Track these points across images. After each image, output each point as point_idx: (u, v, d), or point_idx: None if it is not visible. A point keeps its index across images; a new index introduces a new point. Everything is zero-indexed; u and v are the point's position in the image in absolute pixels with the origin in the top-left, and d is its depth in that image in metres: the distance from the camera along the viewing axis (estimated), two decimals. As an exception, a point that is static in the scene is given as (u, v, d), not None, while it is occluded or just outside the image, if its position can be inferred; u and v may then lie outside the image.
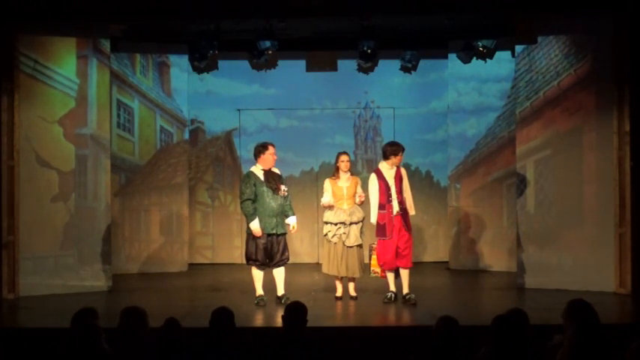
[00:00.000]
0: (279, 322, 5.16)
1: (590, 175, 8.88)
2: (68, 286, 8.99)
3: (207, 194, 11.63)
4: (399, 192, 8.20)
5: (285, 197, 8.29)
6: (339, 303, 8.41)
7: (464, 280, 10.16)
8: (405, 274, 8.27)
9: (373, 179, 8.29)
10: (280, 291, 8.29)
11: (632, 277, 8.61)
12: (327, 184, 8.53)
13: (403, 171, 8.36)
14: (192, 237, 11.45)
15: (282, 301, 8.06)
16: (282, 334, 5.06)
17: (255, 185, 8.15)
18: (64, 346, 4.78)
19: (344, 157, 8.48)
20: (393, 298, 8.25)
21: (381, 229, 8.24)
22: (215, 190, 11.65)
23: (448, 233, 11.24)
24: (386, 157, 8.28)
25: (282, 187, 8.26)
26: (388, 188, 8.18)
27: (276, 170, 8.35)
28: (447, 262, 11.10)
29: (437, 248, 11.59)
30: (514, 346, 4.53)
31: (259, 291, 8.29)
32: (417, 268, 11.09)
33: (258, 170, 8.24)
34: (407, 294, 8.21)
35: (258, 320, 7.75)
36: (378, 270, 8.37)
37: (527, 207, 9.22)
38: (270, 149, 8.24)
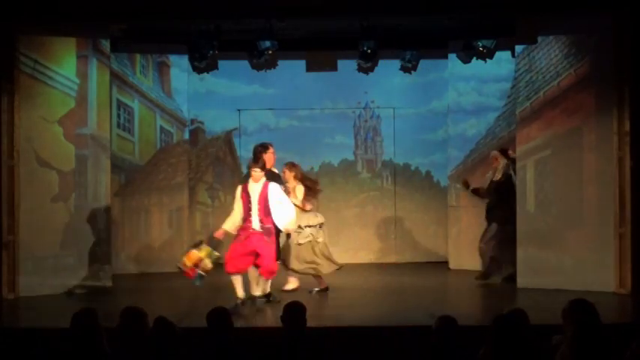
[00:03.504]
0: (279, 322, 5.15)
1: (590, 176, 8.89)
2: (68, 286, 8.99)
3: (207, 194, 11.63)
4: (262, 209, 7.97)
5: None
6: (339, 303, 8.42)
7: (464, 280, 10.16)
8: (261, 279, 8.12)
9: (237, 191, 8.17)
10: (267, 289, 8.32)
11: (632, 277, 8.61)
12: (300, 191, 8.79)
13: (272, 187, 8.09)
14: (192, 237, 11.43)
15: (270, 299, 8.19)
16: (282, 334, 5.06)
17: None
18: (64, 346, 4.78)
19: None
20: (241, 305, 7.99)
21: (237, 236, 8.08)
22: (215, 190, 11.65)
23: (448, 233, 11.23)
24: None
25: (281, 187, 8.35)
26: (249, 202, 8.00)
27: (274, 170, 8.43)
28: (446, 262, 11.10)
29: (437, 248, 11.58)
30: (514, 346, 4.53)
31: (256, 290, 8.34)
32: (417, 268, 11.15)
33: None
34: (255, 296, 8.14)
35: (258, 320, 7.75)
36: (189, 265, 7.96)
37: (527, 207, 9.23)
38: (271, 149, 8.41)
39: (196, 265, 7.89)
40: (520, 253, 9.19)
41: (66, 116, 9.14)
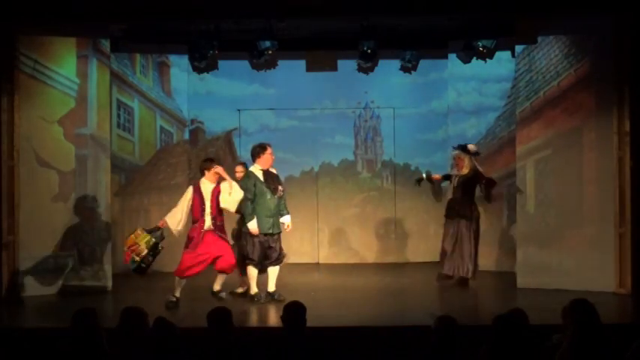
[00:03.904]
0: (279, 322, 5.15)
1: (590, 175, 8.89)
2: (68, 286, 9.00)
3: (207, 194, 11.62)
4: (214, 207, 8.22)
5: (280, 197, 8.37)
6: (339, 303, 8.43)
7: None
8: (221, 276, 8.45)
9: (189, 192, 8.35)
10: (272, 287, 8.42)
11: (632, 277, 8.62)
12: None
13: (223, 186, 8.28)
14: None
15: (275, 297, 8.26)
16: (282, 334, 5.07)
17: (255, 185, 8.23)
18: (64, 346, 4.78)
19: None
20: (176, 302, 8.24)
21: (189, 241, 8.30)
22: (215, 190, 11.65)
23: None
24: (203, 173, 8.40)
25: (280, 188, 8.40)
26: (203, 203, 8.21)
27: (273, 170, 8.44)
28: (447, 262, 11.08)
29: (437, 248, 11.54)
30: (514, 346, 4.53)
31: (254, 289, 8.39)
32: (416, 267, 11.14)
33: (257, 170, 8.33)
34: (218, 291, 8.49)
35: (258, 320, 7.76)
36: (125, 249, 8.12)
37: (527, 207, 9.23)
38: (269, 149, 8.39)
39: (131, 249, 8.02)
40: (520, 253, 9.19)
41: (66, 116, 9.14)
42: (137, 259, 7.93)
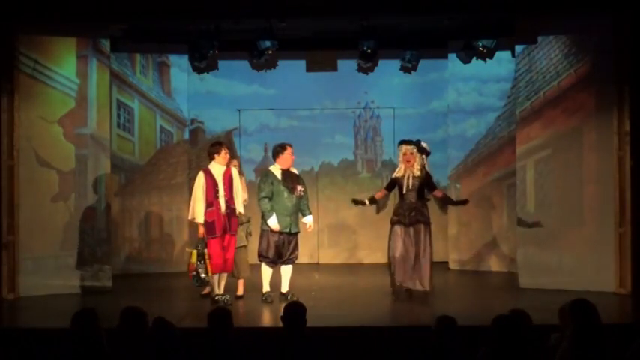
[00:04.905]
0: (279, 322, 5.15)
1: (590, 175, 8.89)
2: (68, 286, 9.00)
3: (207, 194, 11.61)
4: (227, 190, 8.21)
5: (300, 197, 8.41)
6: (340, 303, 8.43)
7: (464, 280, 10.17)
8: (223, 277, 8.32)
9: (200, 177, 8.27)
10: (285, 288, 8.43)
11: (632, 277, 8.62)
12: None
13: (234, 171, 8.38)
14: (192, 237, 11.42)
15: (288, 297, 8.21)
16: (282, 334, 5.06)
17: (272, 184, 8.28)
18: (64, 346, 4.78)
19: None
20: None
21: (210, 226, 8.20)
22: (215, 190, 11.63)
23: (448, 233, 11.22)
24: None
25: (299, 188, 8.43)
26: (215, 185, 8.18)
27: (294, 170, 8.47)
28: (447, 262, 11.09)
29: (437, 248, 11.44)
30: (514, 346, 4.53)
31: (266, 287, 8.41)
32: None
33: (276, 170, 8.38)
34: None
35: (258, 320, 7.76)
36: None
37: (527, 207, 9.23)
38: (288, 149, 8.41)
39: (190, 270, 8.21)
40: (520, 253, 9.19)
41: (66, 116, 9.14)
42: (194, 273, 8.12)
